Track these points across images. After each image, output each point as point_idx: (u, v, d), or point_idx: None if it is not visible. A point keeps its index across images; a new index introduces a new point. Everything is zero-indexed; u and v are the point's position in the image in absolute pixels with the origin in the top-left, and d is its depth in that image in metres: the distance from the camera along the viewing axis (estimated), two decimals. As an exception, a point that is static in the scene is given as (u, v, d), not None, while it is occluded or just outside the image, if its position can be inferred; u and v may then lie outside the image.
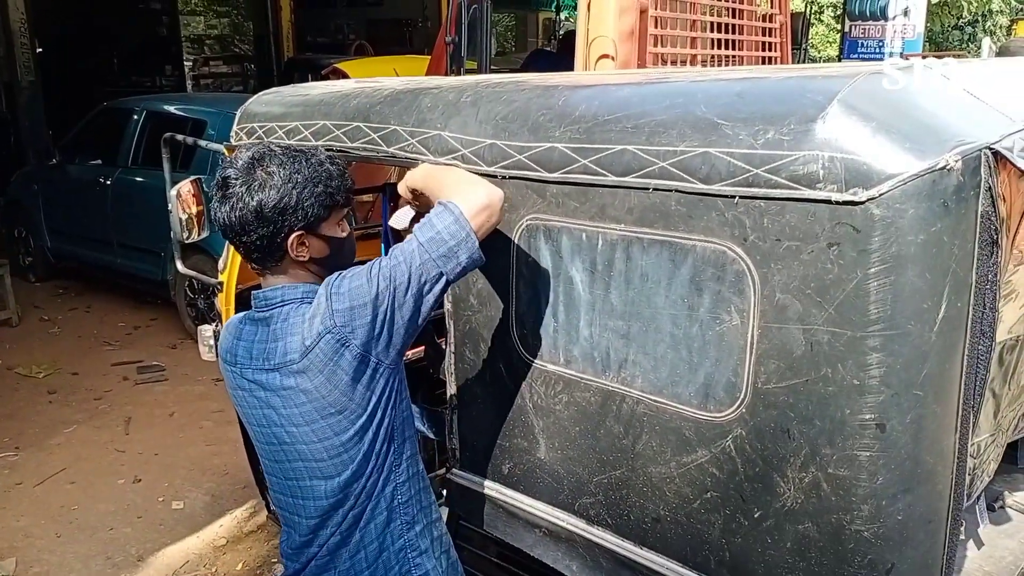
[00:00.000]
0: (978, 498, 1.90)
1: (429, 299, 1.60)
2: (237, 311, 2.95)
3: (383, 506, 1.70)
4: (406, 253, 1.59)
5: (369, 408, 1.63)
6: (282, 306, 1.65)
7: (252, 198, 1.59)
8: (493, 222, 1.65)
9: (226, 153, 2.66)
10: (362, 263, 1.66)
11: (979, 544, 1.88)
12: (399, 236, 1.87)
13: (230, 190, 1.62)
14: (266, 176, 1.61)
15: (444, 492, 2.18)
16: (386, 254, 2.77)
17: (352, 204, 1.75)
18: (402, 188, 1.87)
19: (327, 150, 1.81)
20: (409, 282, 1.57)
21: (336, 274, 1.63)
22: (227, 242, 2.86)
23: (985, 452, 1.72)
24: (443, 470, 2.20)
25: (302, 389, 1.61)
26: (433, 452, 2.88)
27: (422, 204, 1.89)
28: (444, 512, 2.21)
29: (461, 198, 1.62)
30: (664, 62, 3.44)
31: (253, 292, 1.71)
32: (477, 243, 1.60)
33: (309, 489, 1.69)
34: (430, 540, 1.78)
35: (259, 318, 1.68)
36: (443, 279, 1.60)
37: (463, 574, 1.91)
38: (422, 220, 1.63)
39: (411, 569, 1.74)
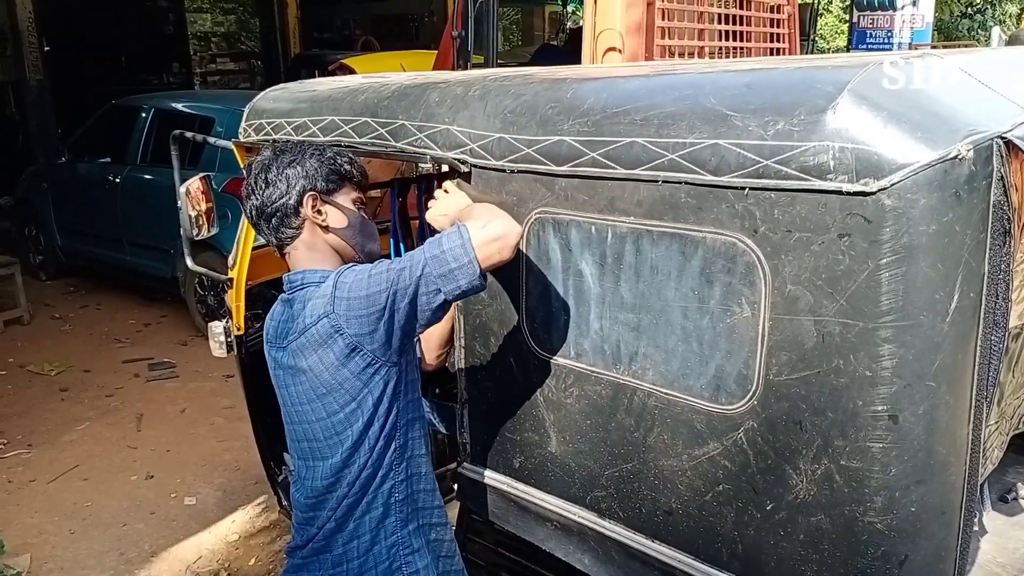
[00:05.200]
0: (982, 485, 1.89)
1: (427, 311, 1.64)
2: (246, 308, 2.97)
3: (379, 501, 1.75)
4: (412, 261, 1.63)
5: (360, 397, 1.67)
6: (303, 289, 1.74)
7: (264, 176, 1.78)
8: (503, 257, 1.65)
9: (235, 150, 2.66)
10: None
11: (983, 531, 1.88)
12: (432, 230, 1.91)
13: (251, 187, 1.80)
14: (276, 161, 1.80)
15: (455, 486, 2.19)
16: (394, 248, 2.80)
17: (364, 188, 1.88)
18: (440, 222, 1.87)
19: (335, 146, 1.85)
20: (407, 289, 1.61)
21: (347, 265, 1.71)
22: (236, 239, 2.90)
23: (989, 440, 1.71)
24: (454, 464, 2.21)
25: (300, 368, 1.69)
26: (444, 446, 2.89)
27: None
28: (455, 507, 2.21)
29: (475, 224, 1.64)
30: (672, 54, 3.44)
31: (284, 276, 1.81)
32: (479, 271, 1.62)
33: (311, 469, 1.76)
34: (424, 540, 1.81)
35: (285, 299, 1.77)
36: (441, 295, 1.63)
37: None
38: (434, 236, 1.66)
39: (402, 566, 1.78)
